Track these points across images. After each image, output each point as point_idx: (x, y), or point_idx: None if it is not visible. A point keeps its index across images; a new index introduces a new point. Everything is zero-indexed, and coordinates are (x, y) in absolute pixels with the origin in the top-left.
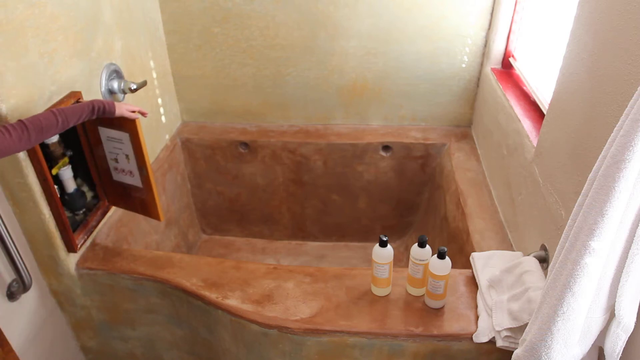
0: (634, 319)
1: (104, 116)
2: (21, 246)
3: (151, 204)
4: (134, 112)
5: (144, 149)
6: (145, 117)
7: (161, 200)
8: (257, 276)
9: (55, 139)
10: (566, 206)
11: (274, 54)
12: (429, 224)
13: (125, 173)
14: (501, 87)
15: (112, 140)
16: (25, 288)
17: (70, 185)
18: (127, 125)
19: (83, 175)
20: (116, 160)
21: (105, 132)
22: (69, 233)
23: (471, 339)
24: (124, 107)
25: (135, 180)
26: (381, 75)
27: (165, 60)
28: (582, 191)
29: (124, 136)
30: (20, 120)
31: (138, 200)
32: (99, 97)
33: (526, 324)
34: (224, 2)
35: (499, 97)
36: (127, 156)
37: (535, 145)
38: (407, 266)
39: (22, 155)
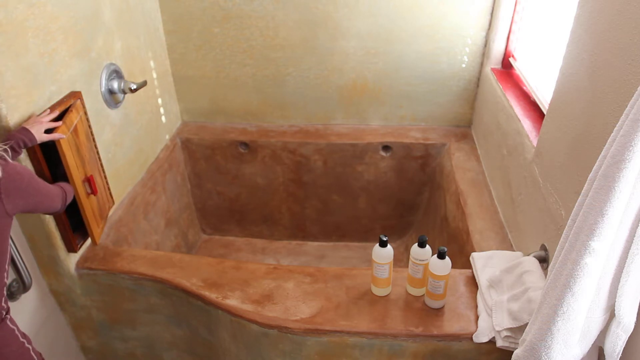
0: (634, 319)
1: (31, 146)
2: (21, 246)
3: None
4: (55, 126)
5: (71, 166)
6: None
7: (161, 200)
8: (257, 276)
9: None
10: (566, 206)
11: (274, 54)
12: (429, 224)
13: None
14: (501, 87)
15: None
16: (25, 288)
17: None
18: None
19: None
20: None
21: None
22: (69, 233)
23: (471, 339)
24: (40, 132)
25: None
26: (381, 75)
27: (165, 60)
28: (582, 191)
29: None
30: None
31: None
32: (99, 97)
33: (526, 324)
34: (224, 2)
35: (499, 97)
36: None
37: (535, 145)
38: (407, 266)
39: (22, 156)
